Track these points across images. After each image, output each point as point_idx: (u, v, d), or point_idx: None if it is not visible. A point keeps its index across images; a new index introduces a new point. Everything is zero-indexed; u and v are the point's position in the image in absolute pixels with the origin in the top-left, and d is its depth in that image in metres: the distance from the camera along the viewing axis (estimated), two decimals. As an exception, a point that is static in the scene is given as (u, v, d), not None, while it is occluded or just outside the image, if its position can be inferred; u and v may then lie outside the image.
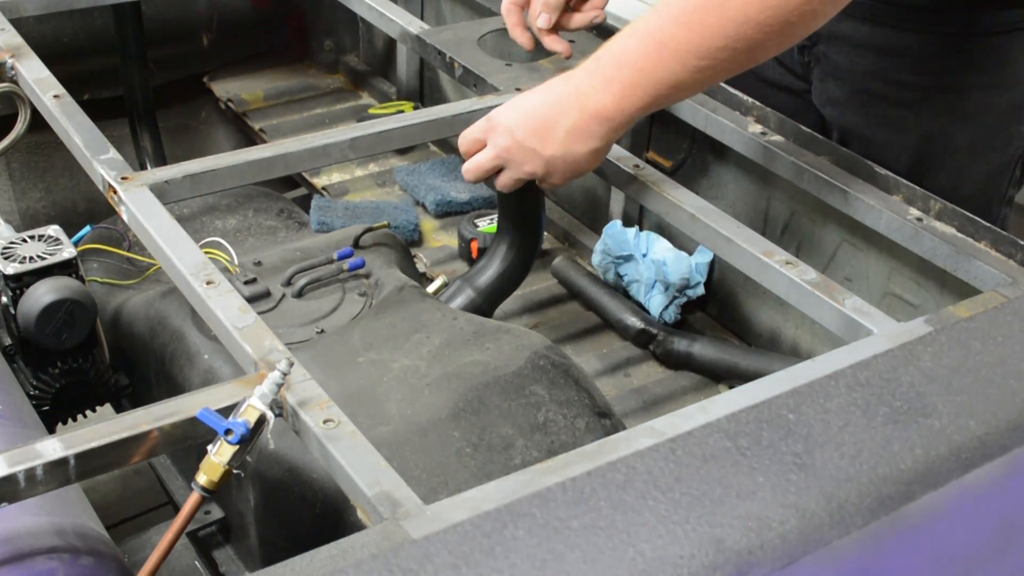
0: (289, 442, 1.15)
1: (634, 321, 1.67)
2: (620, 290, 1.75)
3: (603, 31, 1.76)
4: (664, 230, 1.76)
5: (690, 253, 1.71)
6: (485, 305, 1.53)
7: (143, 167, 2.17)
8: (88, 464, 0.92)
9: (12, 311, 1.31)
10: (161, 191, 1.28)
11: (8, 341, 1.36)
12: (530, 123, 1.28)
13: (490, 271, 1.53)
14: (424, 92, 2.26)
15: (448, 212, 1.93)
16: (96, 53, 2.12)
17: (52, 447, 0.91)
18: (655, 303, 1.69)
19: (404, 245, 1.59)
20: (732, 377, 1.60)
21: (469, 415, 1.19)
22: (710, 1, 1.16)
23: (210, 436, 0.93)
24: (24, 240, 1.34)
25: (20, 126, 1.54)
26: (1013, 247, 1.22)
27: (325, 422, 0.94)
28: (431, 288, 1.57)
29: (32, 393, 1.35)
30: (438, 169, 2.03)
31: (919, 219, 1.29)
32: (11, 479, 0.89)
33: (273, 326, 1.09)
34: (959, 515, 0.94)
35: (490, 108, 1.50)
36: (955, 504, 0.91)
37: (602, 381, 1.62)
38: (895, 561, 0.90)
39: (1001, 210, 1.61)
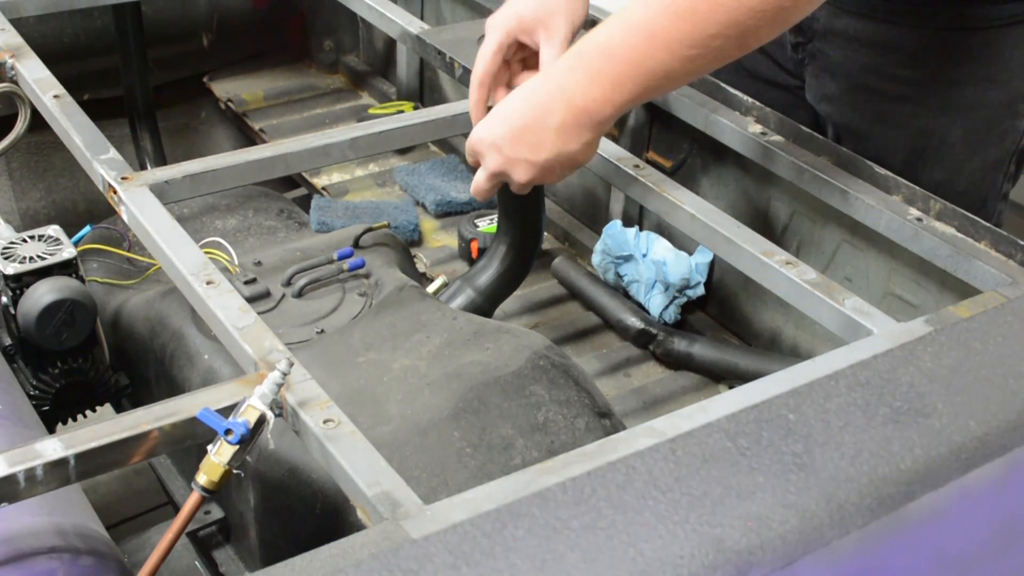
0: (289, 442, 1.15)
1: (634, 321, 1.67)
2: (620, 290, 1.75)
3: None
4: (664, 230, 1.76)
5: (690, 253, 1.71)
6: (485, 305, 1.53)
7: (143, 167, 2.17)
8: (88, 464, 0.92)
9: (12, 311, 1.31)
10: (161, 191, 1.28)
11: (8, 341, 1.36)
12: (515, 133, 1.24)
13: (490, 271, 1.53)
14: (424, 92, 2.26)
15: (448, 212, 1.93)
16: (96, 53, 2.12)
17: (52, 447, 0.91)
18: (655, 303, 1.69)
19: (404, 245, 1.59)
20: (732, 377, 1.60)
21: (469, 415, 1.19)
22: None
23: (210, 436, 0.93)
24: (24, 240, 1.34)
25: (20, 126, 1.54)
26: (1013, 247, 1.22)
27: (325, 422, 0.94)
28: (431, 288, 1.57)
29: (32, 393, 1.35)
30: (438, 169, 2.03)
31: (919, 219, 1.29)
32: (11, 479, 0.89)
33: (273, 326, 1.09)
34: (959, 515, 0.94)
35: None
36: (955, 504, 0.91)
37: (602, 381, 1.62)
38: (895, 561, 0.90)
39: (996, 205, 1.61)
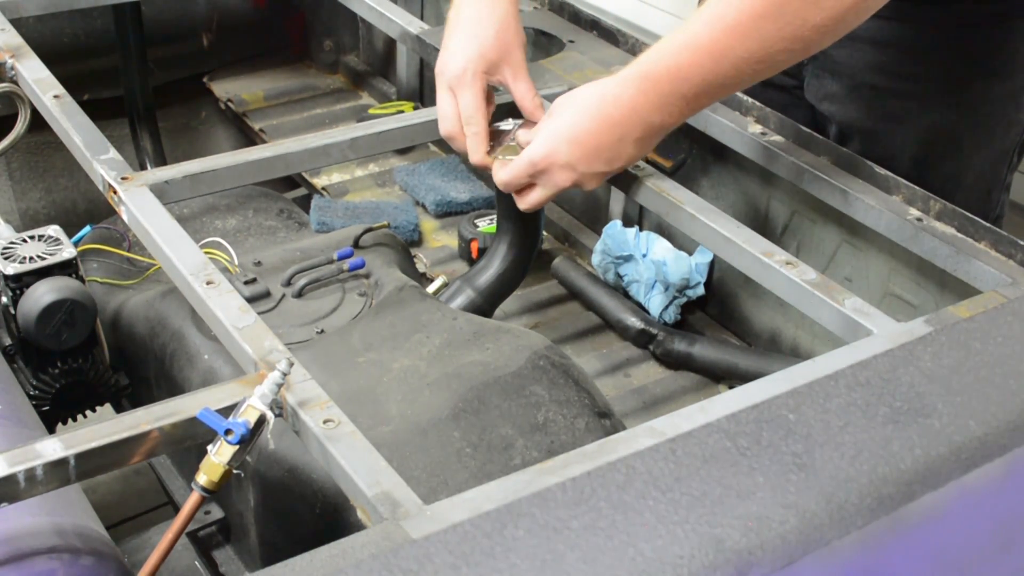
0: (289, 442, 1.15)
1: (634, 321, 1.67)
2: (620, 290, 1.75)
3: (602, 31, 1.76)
4: (664, 230, 1.76)
5: (690, 253, 1.71)
6: (485, 305, 1.53)
7: (143, 167, 2.17)
8: (88, 464, 0.92)
9: (12, 311, 1.31)
10: (161, 191, 1.28)
11: (8, 341, 1.36)
12: (589, 152, 1.28)
13: (490, 271, 1.53)
14: (424, 92, 2.26)
15: (448, 212, 1.93)
16: (96, 53, 2.12)
17: (52, 447, 0.91)
18: (655, 303, 1.69)
19: (404, 245, 1.59)
20: (732, 377, 1.60)
21: (469, 415, 1.19)
22: (767, 10, 1.16)
23: (210, 436, 0.93)
24: (24, 240, 1.34)
25: (20, 126, 1.54)
26: (1013, 247, 1.22)
27: (325, 422, 0.94)
28: (431, 288, 1.57)
29: (32, 393, 1.35)
30: (438, 169, 2.03)
31: (919, 219, 1.29)
32: (11, 479, 0.89)
33: (273, 326, 1.09)
34: (959, 515, 0.94)
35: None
36: (955, 504, 0.91)
37: (602, 381, 1.62)
38: (895, 561, 0.90)
39: (1000, 196, 1.62)
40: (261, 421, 0.92)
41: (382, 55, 2.38)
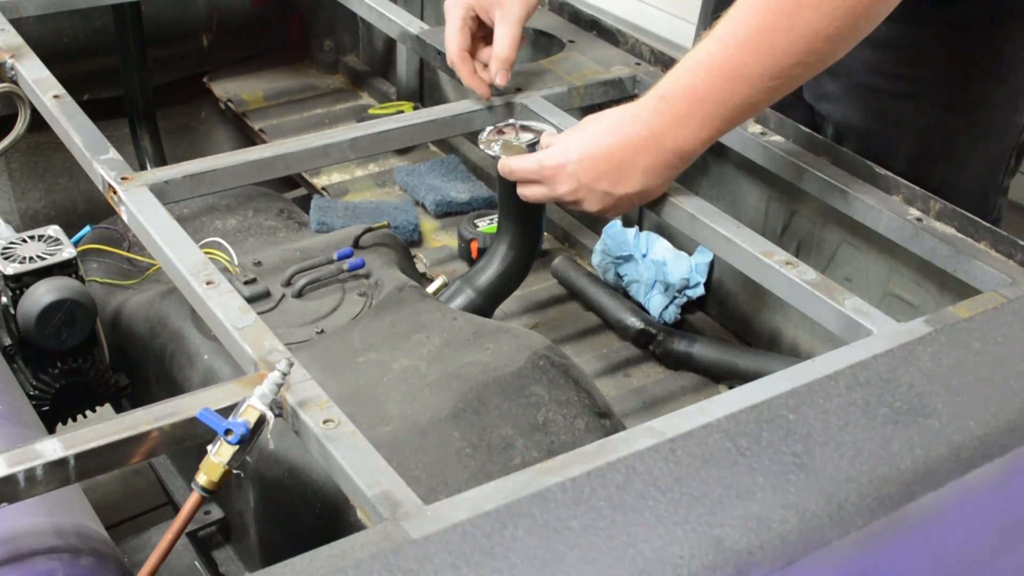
0: (289, 442, 1.15)
1: (634, 321, 1.67)
2: (620, 290, 1.75)
3: (602, 31, 1.76)
4: (664, 230, 1.76)
5: (690, 253, 1.71)
6: (485, 305, 1.53)
7: (143, 167, 2.17)
8: (88, 464, 0.92)
9: (12, 311, 1.31)
10: (161, 191, 1.28)
11: (8, 341, 1.36)
12: (599, 167, 1.27)
13: (490, 271, 1.53)
14: (424, 92, 2.26)
15: (448, 212, 1.93)
16: (96, 53, 2.12)
17: (52, 447, 0.91)
18: (655, 303, 1.69)
19: (404, 245, 1.59)
20: (732, 377, 1.60)
21: (469, 415, 1.19)
22: (777, 23, 1.15)
23: (210, 436, 0.93)
24: (24, 240, 1.34)
25: (20, 126, 1.54)
26: (1013, 247, 1.22)
27: (325, 422, 0.94)
28: (431, 288, 1.57)
29: (32, 393, 1.35)
30: (438, 169, 2.03)
31: (919, 219, 1.29)
32: (11, 479, 0.89)
33: (273, 326, 1.09)
34: (959, 515, 0.94)
35: (489, 108, 1.50)
36: (955, 504, 0.91)
37: (602, 381, 1.62)
38: (895, 561, 0.90)
39: (997, 200, 1.61)
40: (261, 421, 0.92)
41: (382, 55, 2.38)
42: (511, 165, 1.35)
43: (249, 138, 2.25)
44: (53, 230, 1.36)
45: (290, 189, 2.16)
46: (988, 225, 1.24)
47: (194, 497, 0.93)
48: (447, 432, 1.17)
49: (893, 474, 0.86)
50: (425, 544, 0.77)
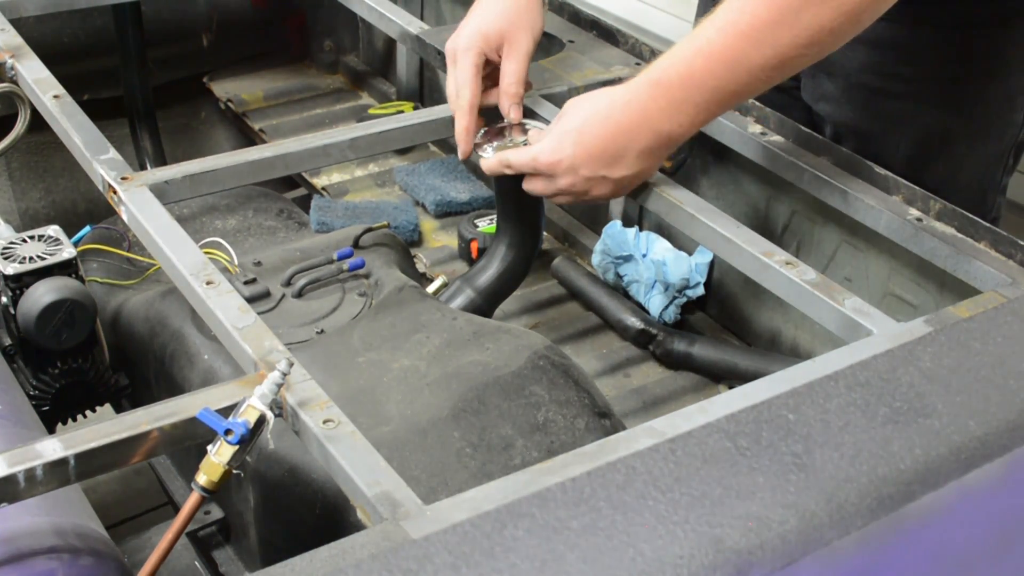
0: (289, 442, 1.15)
1: (634, 321, 1.67)
2: (620, 290, 1.75)
3: (602, 31, 1.76)
4: (664, 230, 1.76)
5: (690, 253, 1.71)
6: (485, 305, 1.53)
7: (143, 167, 2.17)
8: (88, 464, 0.92)
9: (12, 311, 1.31)
10: (161, 191, 1.28)
11: (8, 341, 1.36)
12: (595, 155, 1.27)
13: (490, 271, 1.53)
14: (424, 92, 2.26)
15: (448, 212, 1.93)
16: (96, 53, 2.12)
17: (52, 447, 0.91)
18: (655, 303, 1.69)
19: (404, 245, 1.59)
20: (732, 377, 1.60)
21: (469, 415, 1.19)
22: (782, 16, 1.15)
23: (210, 436, 0.93)
24: (24, 240, 1.34)
25: (20, 126, 1.54)
26: (1013, 247, 1.22)
27: (325, 422, 0.94)
28: (431, 288, 1.57)
29: (32, 393, 1.35)
30: (438, 169, 2.03)
31: (919, 219, 1.29)
32: (11, 479, 0.89)
33: (273, 326, 1.09)
34: (959, 515, 0.94)
35: (488, 108, 1.50)
36: (955, 504, 0.91)
37: (602, 381, 1.62)
38: (895, 561, 0.90)
39: (995, 199, 1.61)
40: (261, 421, 0.92)
41: (382, 55, 2.38)
42: (508, 158, 1.34)
43: (249, 138, 2.25)
44: (53, 230, 1.36)
45: (290, 189, 2.16)
46: (988, 225, 1.24)
47: (194, 497, 0.93)
48: (447, 432, 1.17)
49: (893, 474, 0.86)
50: (425, 544, 0.77)
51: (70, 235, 1.38)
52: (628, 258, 1.73)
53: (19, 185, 2.15)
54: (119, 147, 1.39)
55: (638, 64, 1.66)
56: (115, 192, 1.27)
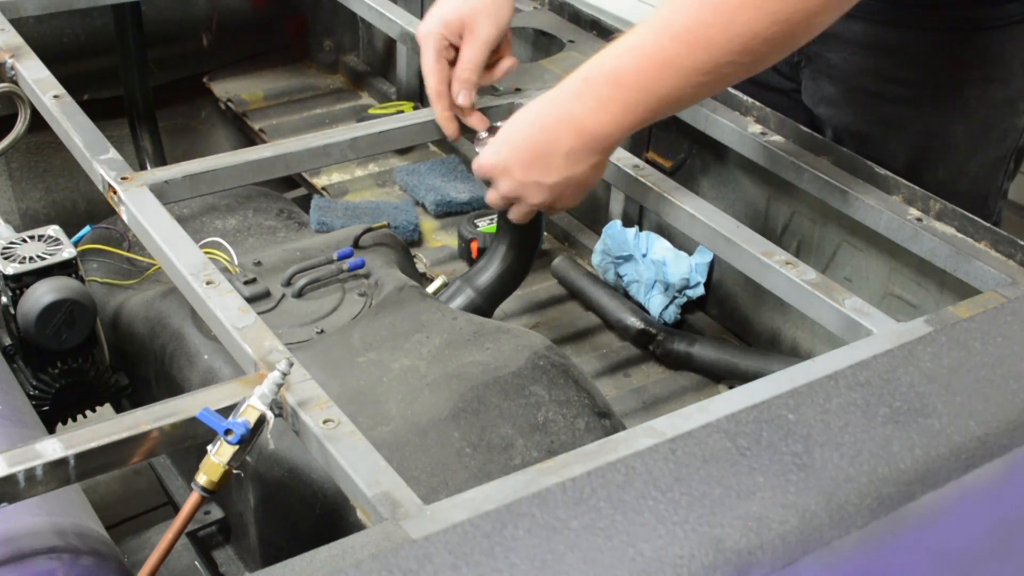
0: (289, 442, 1.15)
1: (634, 321, 1.67)
2: (620, 290, 1.75)
3: (602, 31, 1.76)
4: (664, 230, 1.76)
5: (690, 253, 1.71)
6: (485, 305, 1.53)
7: (143, 167, 2.17)
8: (88, 464, 0.92)
9: (12, 311, 1.31)
10: (161, 191, 1.28)
11: (8, 341, 1.36)
12: (525, 157, 1.26)
13: (490, 271, 1.53)
14: (424, 92, 2.25)
15: (448, 212, 1.93)
16: (96, 53, 2.12)
17: (52, 447, 0.91)
18: (655, 303, 1.69)
19: (404, 245, 1.59)
20: (732, 377, 1.60)
21: (469, 415, 1.19)
22: (715, 19, 1.13)
23: (210, 436, 0.93)
24: (24, 240, 1.34)
25: (20, 126, 1.54)
26: (1013, 247, 1.22)
27: (325, 422, 0.94)
28: (431, 288, 1.57)
29: (32, 393, 1.35)
30: (438, 169, 2.03)
31: (919, 219, 1.29)
32: (11, 479, 0.89)
33: (273, 326, 1.09)
34: (959, 515, 0.94)
35: (488, 108, 1.50)
36: (955, 504, 0.91)
37: (602, 381, 1.62)
38: (895, 561, 0.90)
39: (997, 203, 1.61)
40: (261, 421, 0.92)
41: (382, 55, 2.38)
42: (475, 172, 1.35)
43: (249, 138, 2.25)
44: (53, 230, 1.36)
45: (290, 189, 2.16)
46: (988, 225, 1.24)
47: (194, 497, 0.93)
48: (447, 432, 1.17)
49: (893, 474, 0.86)
50: (425, 544, 0.77)
51: (70, 235, 1.38)
52: (628, 258, 1.73)
53: (19, 185, 2.15)
54: (119, 147, 1.40)
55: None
56: (115, 192, 1.27)
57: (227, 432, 0.91)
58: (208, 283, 1.12)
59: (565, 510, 0.80)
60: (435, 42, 1.41)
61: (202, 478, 0.92)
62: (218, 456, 0.92)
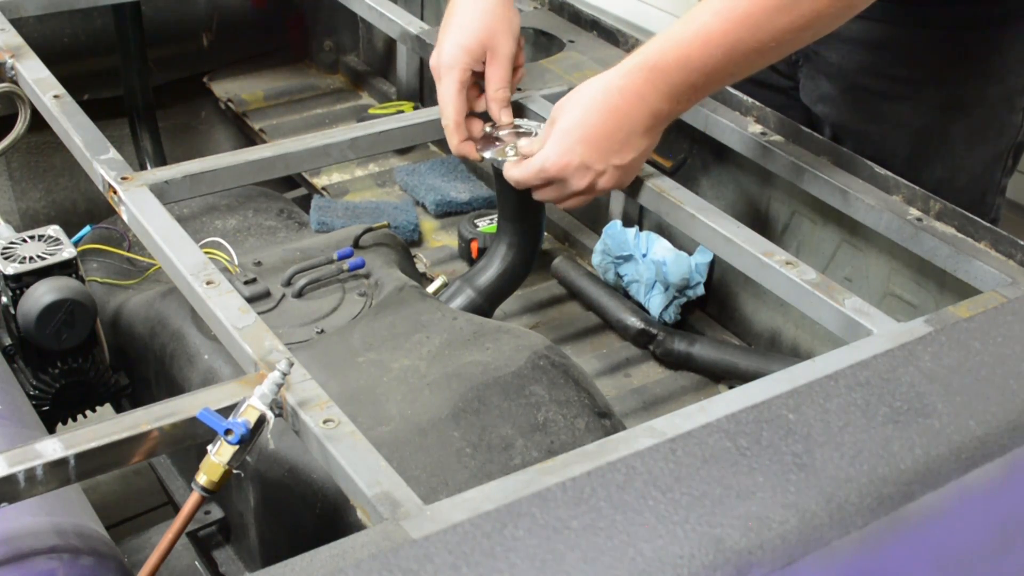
0: (289, 442, 1.15)
1: (634, 321, 1.67)
2: (620, 290, 1.75)
3: (602, 31, 1.76)
4: (664, 230, 1.76)
5: (690, 253, 1.71)
6: (485, 305, 1.53)
7: (143, 167, 2.17)
8: (88, 464, 0.92)
9: (12, 311, 1.31)
10: (161, 191, 1.28)
11: (8, 341, 1.36)
12: (603, 147, 1.28)
13: (490, 271, 1.53)
14: (424, 92, 2.26)
15: (448, 212, 1.93)
16: (96, 53, 2.12)
17: (52, 447, 0.91)
18: (655, 303, 1.69)
19: (404, 245, 1.59)
20: (732, 377, 1.60)
21: (469, 415, 1.19)
22: (782, 4, 1.17)
23: (210, 436, 0.93)
24: (24, 240, 1.34)
25: (20, 126, 1.54)
26: (1013, 247, 1.22)
27: (325, 422, 0.94)
28: (431, 288, 1.57)
29: (32, 393, 1.35)
30: (438, 169, 2.03)
31: (919, 219, 1.29)
32: (11, 479, 0.89)
33: (273, 326, 1.09)
34: (959, 515, 0.94)
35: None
36: (955, 504, 0.91)
37: (602, 381, 1.62)
38: (895, 561, 0.90)
39: (995, 200, 1.61)
40: (261, 421, 0.92)
41: (382, 55, 2.38)
42: (514, 176, 1.34)
43: (249, 138, 2.25)
44: (53, 230, 1.36)
45: (290, 189, 2.16)
46: (988, 225, 1.24)
47: (194, 497, 0.93)
48: (447, 432, 1.17)
49: (893, 474, 0.86)
50: (425, 544, 0.77)
51: (70, 235, 1.38)
52: (628, 258, 1.73)
53: (19, 185, 2.15)
54: (119, 147, 1.39)
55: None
56: (115, 192, 1.27)
57: (227, 432, 0.91)
58: (208, 283, 1.12)
59: (565, 510, 0.80)
60: (460, 74, 1.40)
61: (202, 478, 0.92)
62: (218, 456, 0.92)
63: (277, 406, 0.95)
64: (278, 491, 1.19)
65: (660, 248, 1.71)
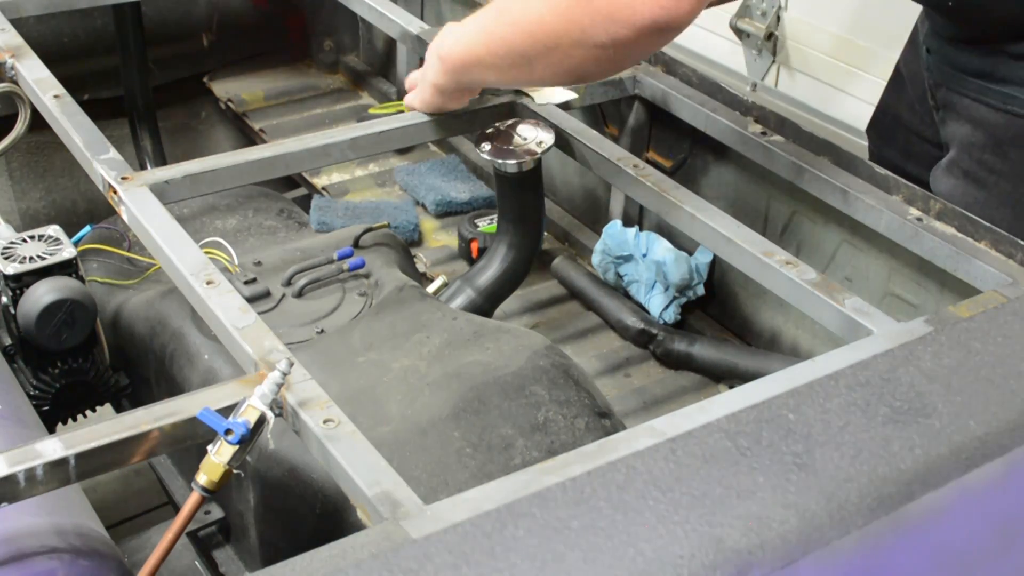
0: (289, 442, 1.15)
1: (634, 321, 1.67)
2: (620, 290, 1.75)
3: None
4: (664, 230, 1.76)
5: (690, 253, 1.71)
6: (485, 305, 1.53)
7: (143, 167, 2.17)
8: (88, 464, 0.92)
9: (12, 311, 1.31)
10: (161, 191, 1.28)
11: (8, 341, 1.36)
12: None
13: (490, 271, 1.53)
14: (424, 92, 2.25)
15: (448, 212, 1.93)
16: (96, 53, 2.12)
17: (52, 447, 0.91)
18: (655, 303, 1.69)
19: (404, 245, 1.59)
20: (732, 377, 1.60)
21: (469, 415, 1.19)
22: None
23: (210, 436, 0.93)
24: (24, 240, 1.34)
25: (20, 126, 1.54)
26: (1013, 247, 1.22)
27: (325, 422, 0.94)
28: (431, 288, 1.57)
29: (32, 393, 1.35)
30: (438, 169, 2.03)
31: (919, 219, 1.29)
32: (11, 479, 0.89)
33: (273, 326, 1.09)
34: (959, 515, 0.94)
35: (488, 108, 1.50)
36: (955, 504, 0.91)
37: (602, 381, 1.62)
38: (895, 561, 0.90)
39: None
40: (261, 421, 0.92)
41: (382, 55, 2.38)
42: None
43: (249, 138, 2.25)
44: (53, 230, 1.36)
45: (290, 189, 2.16)
46: (988, 225, 1.24)
47: (194, 497, 0.93)
48: (447, 432, 1.17)
49: (893, 474, 0.86)
50: (425, 544, 0.77)
51: (70, 235, 1.38)
52: (628, 258, 1.73)
53: (19, 185, 2.15)
54: (119, 147, 1.39)
55: (638, 64, 1.66)
56: (115, 192, 1.27)
57: (227, 432, 0.91)
58: (208, 283, 1.12)
59: (565, 510, 0.80)
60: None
61: (202, 478, 0.92)
62: (218, 456, 0.92)
63: (277, 406, 0.95)
64: (278, 491, 1.19)
65: (660, 248, 1.71)
